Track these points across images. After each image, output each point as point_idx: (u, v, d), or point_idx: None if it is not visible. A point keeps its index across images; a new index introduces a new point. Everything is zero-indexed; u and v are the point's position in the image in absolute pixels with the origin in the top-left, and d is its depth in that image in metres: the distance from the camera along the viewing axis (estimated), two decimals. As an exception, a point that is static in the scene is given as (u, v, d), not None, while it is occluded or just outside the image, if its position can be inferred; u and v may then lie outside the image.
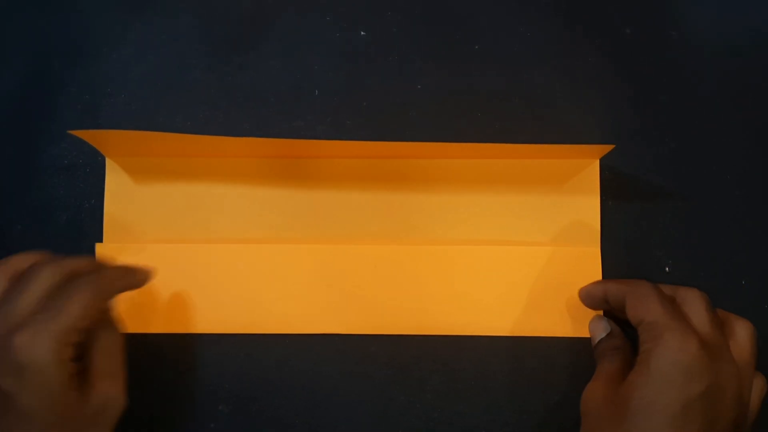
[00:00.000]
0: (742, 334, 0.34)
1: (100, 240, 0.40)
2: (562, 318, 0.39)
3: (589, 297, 0.38)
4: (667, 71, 0.42)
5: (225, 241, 0.40)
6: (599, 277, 0.39)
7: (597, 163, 0.40)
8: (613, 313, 0.38)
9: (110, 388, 0.32)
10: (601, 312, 0.39)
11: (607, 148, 0.38)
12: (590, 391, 0.34)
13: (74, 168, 0.41)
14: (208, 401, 0.38)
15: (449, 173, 0.40)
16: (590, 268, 0.39)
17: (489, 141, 0.40)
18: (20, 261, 0.33)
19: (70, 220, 0.41)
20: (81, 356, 0.32)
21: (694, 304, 0.34)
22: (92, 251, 0.40)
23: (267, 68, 0.42)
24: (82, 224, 0.40)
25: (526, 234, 0.39)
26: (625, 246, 0.40)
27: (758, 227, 0.40)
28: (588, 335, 0.38)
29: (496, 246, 0.39)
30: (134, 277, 0.35)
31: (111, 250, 0.39)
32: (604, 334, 0.37)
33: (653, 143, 0.41)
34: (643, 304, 0.34)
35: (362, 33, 0.43)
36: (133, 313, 0.39)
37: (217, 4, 0.43)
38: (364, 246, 0.39)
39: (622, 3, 0.43)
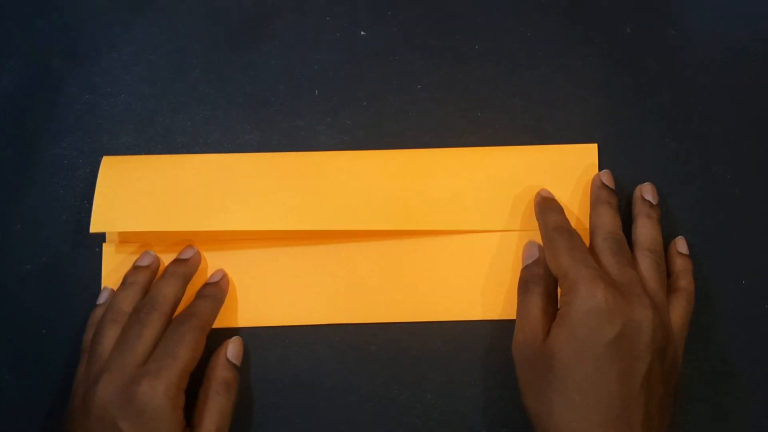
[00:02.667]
0: (644, 266, 0.36)
1: (100, 239, 0.40)
2: None
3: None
4: (667, 70, 0.42)
5: (224, 238, 0.40)
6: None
7: (595, 155, 0.40)
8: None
9: None
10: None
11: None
12: (518, 343, 0.35)
13: (74, 168, 0.41)
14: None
15: (448, 162, 0.40)
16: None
17: (489, 141, 0.41)
18: (123, 303, 0.36)
19: (70, 220, 0.41)
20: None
21: (602, 249, 0.36)
22: (92, 251, 0.40)
23: (267, 68, 0.42)
24: (82, 224, 0.40)
25: (525, 222, 0.40)
26: (625, 246, 0.40)
27: (758, 227, 0.40)
28: None
29: (498, 232, 0.40)
30: (222, 299, 0.38)
31: (117, 250, 0.40)
32: (530, 261, 0.38)
33: (653, 143, 0.41)
34: (556, 258, 0.35)
35: (362, 33, 0.43)
36: None
37: (216, 4, 0.43)
38: (364, 241, 0.39)
39: (622, 3, 0.43)
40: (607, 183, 0.39)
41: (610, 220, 0.37)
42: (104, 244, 0.40)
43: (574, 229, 0.37)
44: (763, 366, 0.38)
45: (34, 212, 0.41)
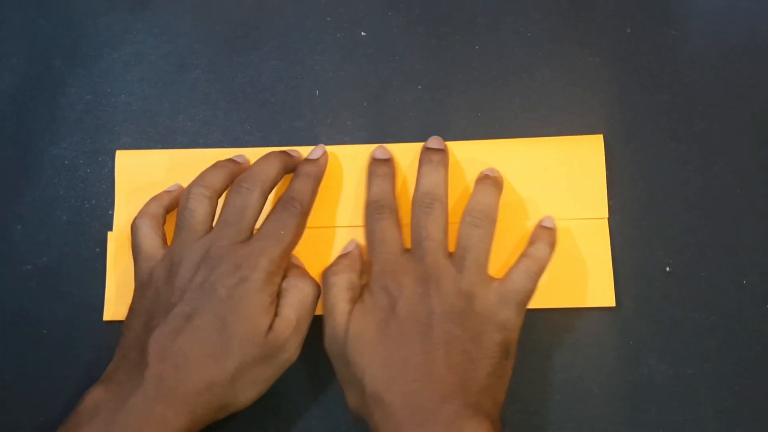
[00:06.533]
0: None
1: (101, 239, 0.40)
2: (576, 288, 0.39)
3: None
4: (667, 71, 0.42)
5: None
6: (608, 247, 0.39)
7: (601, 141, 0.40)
8: None
9: (288, 336, 0.35)
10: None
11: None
12: (328, 339, 0.36)
13: (74, 168, 0.41)
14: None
15: (453, 155, 0.40)
16: (599, 238, 0.39)
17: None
18: (215, 181, 0.37)
19: (70, 220, 0.41)
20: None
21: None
22: (92, 251, 0.40)
23: (267, 68, 0.42)
24: (82, 224, 0.40)
25: (535, 211, 0.40)
26: (626, 246, 0.40)
27: (758, 227, 0.40)
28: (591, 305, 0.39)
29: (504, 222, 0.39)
30: (320, 178, 0.39)
31: (124, 239, 0.40)
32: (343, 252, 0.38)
33: (653, 143, 0.41)
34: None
35: (362, 33, 0.43)
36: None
37: (217, 4, 0.43)
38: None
39: (622, 3, 0.43)
40: (431, 146, 0.39)
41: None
42: (110, 232, 0.40)
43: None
44: (764, 366, 0.38)
45: (34, 212, 0.41)
